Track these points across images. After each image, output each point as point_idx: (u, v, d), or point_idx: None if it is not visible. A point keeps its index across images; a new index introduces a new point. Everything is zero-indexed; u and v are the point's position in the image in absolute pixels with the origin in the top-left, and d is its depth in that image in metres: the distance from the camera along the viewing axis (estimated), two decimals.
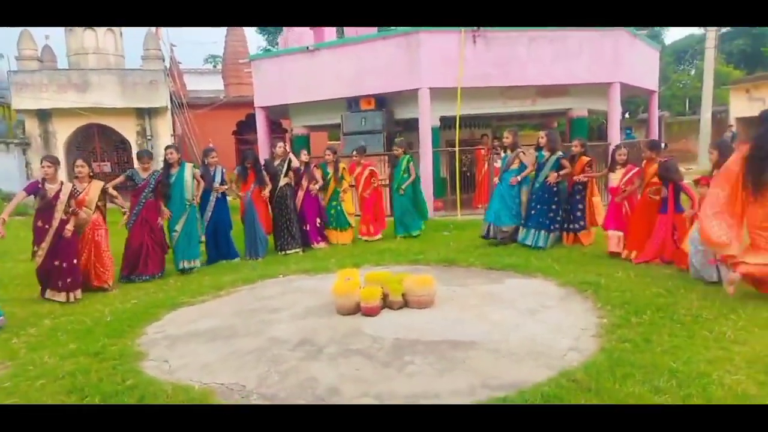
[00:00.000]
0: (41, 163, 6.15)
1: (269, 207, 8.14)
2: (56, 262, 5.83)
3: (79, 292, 6.00)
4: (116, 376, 3.64)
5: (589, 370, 3.45)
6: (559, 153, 7.52)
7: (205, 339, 4.44)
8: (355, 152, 9.01)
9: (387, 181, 11.61)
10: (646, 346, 3.83)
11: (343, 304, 4.86)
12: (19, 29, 16.00)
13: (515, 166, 7.76)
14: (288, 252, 7.98)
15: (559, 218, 7.56)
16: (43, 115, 15.95)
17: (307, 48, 12.69)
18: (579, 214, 7.48)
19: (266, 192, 7.91)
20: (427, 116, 11.39)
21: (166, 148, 7.46)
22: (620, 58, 11.95)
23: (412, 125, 12.40)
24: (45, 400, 3.40)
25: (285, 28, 15.70)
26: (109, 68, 16.31)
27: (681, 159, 24.05)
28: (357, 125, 12.09)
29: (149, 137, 16.45)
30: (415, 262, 6.94)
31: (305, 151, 8.76)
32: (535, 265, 6.37)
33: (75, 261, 6.01)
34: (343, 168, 8.67)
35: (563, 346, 3.96)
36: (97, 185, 6.53)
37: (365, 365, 3.77)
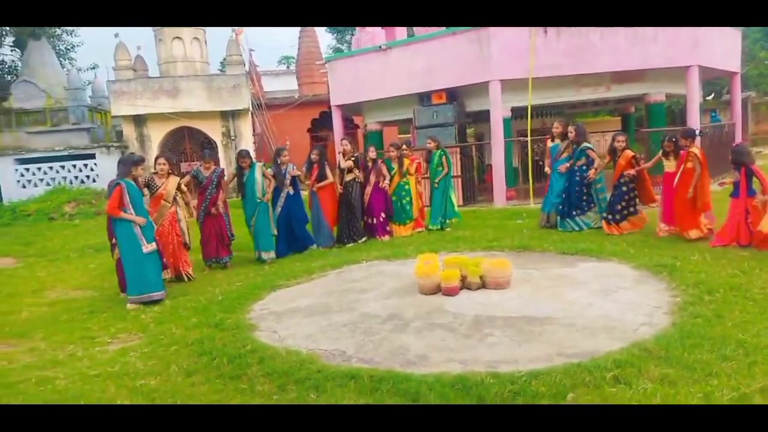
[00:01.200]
0: (157, 160, 6.97)
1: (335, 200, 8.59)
2: None
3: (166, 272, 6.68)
4: (237, 342, 4.28)
5: (660, 341, 3.71)
6: (585, 144, 7.93)
7: (304, 314, 5.03)
8: (404, 145, 9.13)
9: (459, 173, 11.99)
10: (717, 321, 4.03)
11: (425, 285, 5.31)
12: (115, 41, 17.48)
13: (565, 155, 8.15)
14: (347, 245, 8.36)
15: (584, 203, 8.06)
16: (139, 120, 17.37)
17: (380, 47, 13.19)
18: (620, 207, 7.69)
19: (322, 184, 8.37)
20: (498, 107, 11.60)
21: (239, 155, 8.07)
22: (698, 41, 11.64)
23: (483, 117, 12.64)
24: (181, 362, 4.07)
25: (358, 29, 16.28)
26: (196, 75, 17.50)
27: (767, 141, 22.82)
28: (429, 119, 12.47)
29: (233, 137, 17.55)
30: (489, 248, 7.27)
31: (373, 148, 9.11)
32: (610, 249, 6.55)
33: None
34: (408, 162, 8.92)
35: (636, 321, 4.22)
36: (174, 180, 7.00)
37: (449, 336, 4.20)
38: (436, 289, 5.28)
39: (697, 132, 7.34)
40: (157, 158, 7.18)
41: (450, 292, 5.19)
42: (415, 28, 14.75)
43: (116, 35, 17.20)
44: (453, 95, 12.49)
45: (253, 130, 18.63)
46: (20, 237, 11.90)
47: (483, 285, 5.35)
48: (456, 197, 9.66)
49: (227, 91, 17.26)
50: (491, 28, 11.27)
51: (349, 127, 19.08)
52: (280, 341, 4.34)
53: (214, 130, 17.68)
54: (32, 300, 6.55)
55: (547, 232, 8.09)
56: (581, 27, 11.20)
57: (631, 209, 7.73)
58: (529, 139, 11.44)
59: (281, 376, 3.60)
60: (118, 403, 3.46)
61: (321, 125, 21.49)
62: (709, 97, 28.32)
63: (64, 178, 16.71)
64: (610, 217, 7.77)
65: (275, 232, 7.97)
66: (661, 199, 7.53)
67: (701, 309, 4.28)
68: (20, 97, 18.06)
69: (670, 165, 7.27)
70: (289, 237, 8.11)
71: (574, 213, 8.10)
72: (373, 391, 3.31)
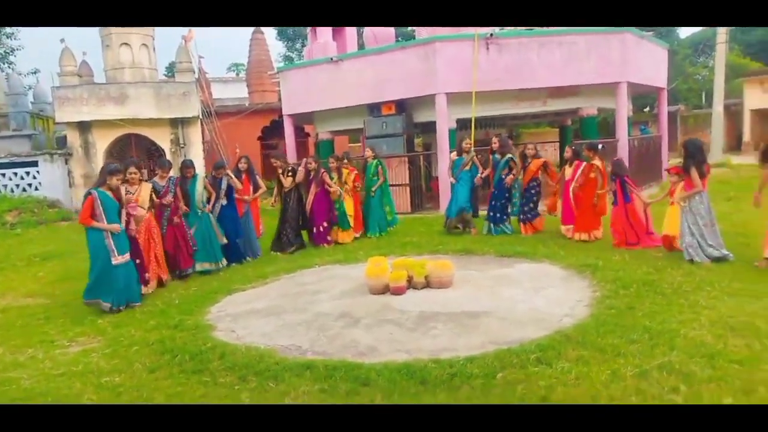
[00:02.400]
0: (128, 168, 6.66)
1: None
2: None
3: (149, 287, 6.65)
4: (197, 341, 4.55)
5: (578, 329, 4.25)
6: (509, 155, 8.73)
7: (260, 315, 5.33)
8: (346, 159, 9.50)
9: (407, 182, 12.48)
10: (628, 311, 4.61)
11: (374, 285, 5.70)
12: (61, 46, 17.14)
13: (468, 167, 8.96)
14: (281, 253, 8.54)
15: (510, 211, 8.89)
16: (84, 127, 17.03)
17: (331, 59, 13.57)
18: (532, 206, 8.75)
19: (257, 195, 8.56)
20: (444, 119, 12.18)
21: (184, 165, 7.89)
22: (627, 59, 12.59)
23: (430, 127, 13.19)
24: (143, 360, 4.31)
25: (309, 40, 16.60)
26: (145, 81, 17.36)
27: None
28: (379, 129, 12.93)
29: (182, 145, 17.45)
30: (435, 251, 7.74)
31: (311, 159, 9.32)
32: (543, 252, 7.14)
33: (137, 260, 6.40)
34: (347, 173, 9.29)
35: (560, 313, 4.75)
36: (147, 187, 6.92)
37: (396, 330, 4.61)
38: (385, 289, 5.69)
39: (599, 146, 8.20)
40: (127, 166, 6.89)
41: (397, 292, 5.61)
42: (365, 42, 15.20)
43: (62, 40, 16.87)
44: (402, 106, 13.00)
45: (203, 138, 18.59)
46: None
47: (428, 285, 5.80)
48: (393, 205, 10.09)
49: (176, 98, 17.17)
50: (437, 43, 11.86)
51: (300, 136, 19.33)
52: (238, 339, 4.63)
53: (162, 138, 17.53)
54: None
55: (489, 237, 8.63)
56: (520, 43, 11.94)
57: (535, 211, 8.73)
58: (472, 149, 12.03)
59: (242, 369, 3.91)
60: (86, 398, 3.68)
61: (271, 133, 21.61)
62: (646, 110, 30.09)
63: (5, 186, 16.21)
64: (522, 217, 8.71)
65: (223, 241, 7.91)
66: (561, 204, 8.47)
67: (616, 302, 4.86)
68: None
69: (568, 172, 8.21)
70: (227, 247, 7.96)
71: (503, 219, 8.85)
72: (327, 378, 3.67)
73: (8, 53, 27.29)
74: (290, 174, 8.85)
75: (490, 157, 9.04)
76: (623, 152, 12.62)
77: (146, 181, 7.16)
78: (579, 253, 6.93)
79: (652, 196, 7.50)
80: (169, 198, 7.24)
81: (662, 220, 6.90)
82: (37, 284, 7.71)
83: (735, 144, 25.89)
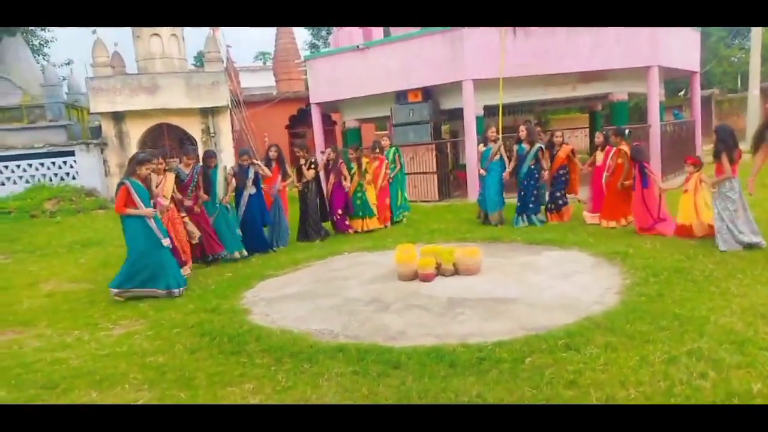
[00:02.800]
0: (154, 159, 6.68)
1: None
2: None
3: (187, 268, 6.90)
4: (234, 324, 4.73)
5: (607, 315, 4.29)
6: (538, 145, 8.51)
7: (293, 300, 5.49)
8: (377, 149, 9.55)
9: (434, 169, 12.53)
10: (658, 298, 4.62)
11: (403, 272, 5.81)
12: (93, 38, 17.55)
13: (497, 158, 8.76)
14: (306, 242, 8.65)
15: (539, 202, 8.68)
16: (118, 117, 17.48)
17: (357, 47, 13.62)
18: (559, 194, 8.62)
19: (286, 184, 8.67)
20: (471, 106, 12.15)
21: (207, 155, 7.97)
22: (658, 43, 12.34)
23: (457, 114, 13.18)
24: (184, 342, 4.50)
25: (335, 29, 16.66)
26: (175, 71, 17.68)
27: None
28: (405, 117, 12.96)
29: (213, 134, 17.79)
30: (463, 239, 7.81)
31: (330, 150, 9.54)
32: (571, 240, 7.14)
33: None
34: (367, 162, 9.38)
35: (589, 300, 4.79)
36: (171, 177, 7.01)
37: (425, 315, 4.71)
38: (414, 276, 5.79)
39: (626, 131, 8.14)
40: (155, 156, 6.90)
41: (426, 278, 5.70)
42: (390, 29, 15.20)
43: (94, 32, 17.28)
44: (428, 94, 13.00)
45: (232, 127, 18.89)
46: (3, 234, 12.03)
47: (456, 271, 5.89)
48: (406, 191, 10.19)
49: (206, 87, 17.47)
50: (464, 30, 11.80)
51: (328, 124, 19.47)
52: (273, 323, 4.80)
53: (193, 127, 17.89)
54: (29, 292, 6.84)
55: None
56: (548, 29, 11.81)
57: (566, 198, 8.62)
58: (500, 135, 12.00)
59: (277, 351, 4.07)
60: (131, 377, 3.88)
61: (299, 122, 21.82)
62: (681, 94, 29.34)
63: (44, 175, 16.76)
64: (552, 206, 8.61)
65: (239, 232, 7.96)
66: (590, 191, 8.41)
67: (646, 289, 4.87)
68: None
69: (599, 158, 8.13)
70: (250, 237, 8.04)
71: (535, 210, 8.60)
72: (359, 360, 3.79)
73: (43, 45, 27.94)
74: (313, 166, 8.95)
75: (515, 147, 8.72)
76: (655, 138, 12.43)
77: (170, 170, 7.20)
78: (609, 241, 6.92)
79: (669, 184, 7.40)
80: (192, 186, 7.33)
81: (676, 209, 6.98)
82: (79, 270, 8.03)
83: None
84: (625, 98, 13.16)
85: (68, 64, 29.58)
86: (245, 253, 7.85)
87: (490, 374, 3.49)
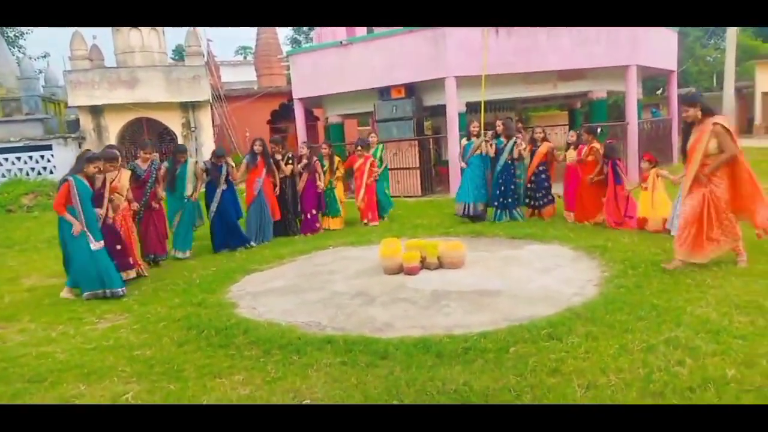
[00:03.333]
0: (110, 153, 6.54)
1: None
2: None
3: (132, 272, 6.53)
4: (221, 317, 4.75)
5: (587, 306, 4.42)
6: (514, 138, 8.60)
7: (279, 293, 5.53)
8: (359, 146, 9.60)
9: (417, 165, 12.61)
10: (637, 290, 4.76)
11: (389, 266, 5.88)
12: (71, 30, 17.24)
13: (479, 152, 8.77)
14: (285, 237, 8.60)
15: (518, 196, 8.69)
16: (96, 111, 17.22)
17: (341, 42, 13.65)
18: (543, 192, 8.60)
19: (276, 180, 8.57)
20: (454, 102, 12.27)
21: (178, 150, 7.89)
22: (637, 42, 12.59)
23: (439, 111, 13.29)
24: (171, 335, 4.51)
25: None
26: (155, 65, 17.48)
27: None
28: (389, 113, 13.03)
29: (193, 129, 17.63)
30: (446, 234, 7.90)
31: (304, 146, 9.44)
32: (552, 234, 7.29)
33: (118, 246, 6.34)
34: (338, 160, 9.43)
35: (570, 292, 4.92)
36: (126, 174, 6.77)
37: (411, 308, 4.79)
38: (399, 270, 5.86)
39: (598, 129, 8.34)
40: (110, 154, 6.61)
41: (411, 272, 5.78)
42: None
43: None
44: (411, 90, 13.09)
45: (213, 122, 18.74)
46: None
47: (440, 265, 5.98)
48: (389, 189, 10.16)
49: (187, 81, 17.30)
50: (447, 27, 11.89)
51: (310, 120, 19.43)
52: (260, 316, 4.83)
53: (173, 122, 17.71)
54: (9, 287, 6.76)
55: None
56: (530, 28, 11.96)
57: (550, 197, 8.62)
58: (482, 132, 12.12)
59: (266, 343, 4.10)
60: (119, 370, 3.89)
61: (280, 117, 21.74)
62: (659, 92, 29.87)
63: (20, 169, 16.47)
64: (533, 203, 8.65)
65: (201, 223, 8.01)
66: (564, 190, 8.52)
67: (625, 281, 5.01)
68: None
69: (570, 156, 8.29)
70: (225, 232, 7.99)
71: (513, 204, 8.62)
72: (347, 351, 3.85)
73: (18, 37, 27.43)
74: (290, 162, 8.86)
75: (494, 141, 8.68)
76: (633, 135, 12.69)
77: (125, 167, 6.94)
78: (588, 236, 7.07)
79: (630, 184, 7.71)
80: (151, 183, 7.16)
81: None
82: (60, 265, 7.85)
83: (746, 127, 25.74)
84: (604, 96, 13.42)
85: (45, 57, 29.12)
86: (188, 254, 7.72)
87: (476, 363, 3.58)
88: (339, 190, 9.39)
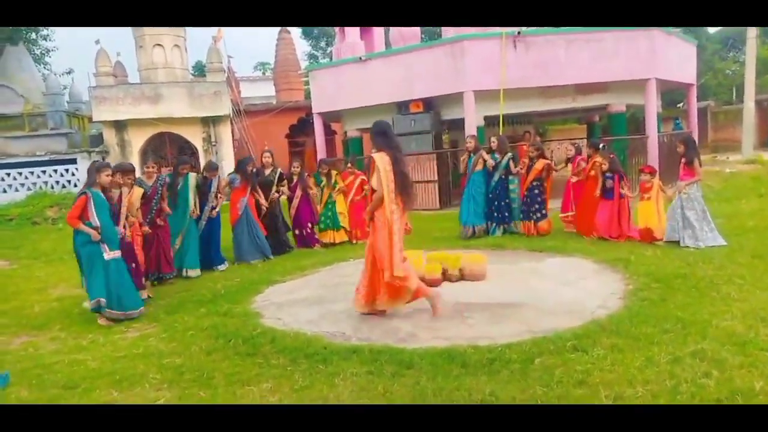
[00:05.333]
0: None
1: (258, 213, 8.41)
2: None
3: (144, 292, 6.31)
4: (247, 326, 4.84)
5: (612, 319, 4.42)
6: (509, 154, 8.68)
7: (303, 304, 5.60)
8: (349, 164, 9.64)
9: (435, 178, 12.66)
10: (661, 303, 4.76)
11: None
12: (96, 48, 17.69)
13: (480, 167, 8.73)
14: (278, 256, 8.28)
15: (512, 210, 8.73)
16: (120, 126, 17.61)
17: (360, 58, 13.84)
18: (537, 206, 8.55)
19: (261, 199, 8.37)
20: (472, 116, 12.34)
21: (180, 162, 7.79)
22: (655, 55, 12.59)
23: (457, 125, 13.37)
24: (199, 344, 4.59)
25: (337, 40, 16.86)
26: (178, 81, 17.84)
27: (726, 148, 24.16)
28: (407, 127, 13.14)
29: (214, 143, 17.94)
30: (466, 246, 7.93)
31: (296, 163, 9.30)
32: (573, 247, 7.29)
33: (133, 264, 6.17)
34: (336, 174, 9.35)
35: (593, 305, 4.91)
36: (139, 191, 6.66)
37: (434, 319, 4.82)
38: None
39: (601, 145, 8.38)
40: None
41: (433, 284, 5.81)
42: (391, 41, 15.41)
43: (97, 42, 17.43)
44: (430, 104, 13.20)
45: (233, 136, 19.04)
46: (6, 241, 12.11)
47: (462, 277, 6.00)
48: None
49: (208, 97, 17.64)
50: (465, 42, 12.01)
51: (328, 134, 19.64)
52: (285, 326, 4.90)
53: (194, 136, 18.04)
54: (39, 297, 6.92)
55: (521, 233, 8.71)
56: (548, 42, 12.03)
57: (544, 212, 8.59)
58: (482, 147, 12.19)
59: (292, 352, 4.17)
60: (150, 377, 3.98)
61: (299, 131, 22.01)
62: (679, 105, 29.67)
63: (45, 182, 16.86)
64: (529, 217, 8.58)
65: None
66: (564, 199, 8.82)
67: (649, 294, 5.01)
68: None
69: (564, 169, 8.69)
70: (208, 251, 7.76)
71: (509, 219, 8.66)
72: (373, 361, 3.90)
73: (44, 54, 28.13)
74: (282, 180, 8.80)
75: (489, 156, 8.65)
76: (653, 149, 12.64)
77: (136, 183, 6.72)
78: (610, 249, 7.06)
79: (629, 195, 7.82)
80: (157, 198, 6.99)
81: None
82: None
83: (766, 140, 25.43)
84: (623, 110, 13.40)
85: (69, 73, 29.79)
86: (198, 272, 7.49)
87: (502, 374, 3.61)
88: (340, 204, 9.21)
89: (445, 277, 6.00)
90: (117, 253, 5.67)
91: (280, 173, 8.89)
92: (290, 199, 9.01)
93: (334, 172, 9.36)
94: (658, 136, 12.98)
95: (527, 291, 5.48)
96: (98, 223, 5.50)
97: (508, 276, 6.12)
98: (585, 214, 8.16)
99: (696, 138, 15.87)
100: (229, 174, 8.51)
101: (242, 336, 4.58)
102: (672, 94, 24.31)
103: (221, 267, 7.80)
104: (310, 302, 5.65)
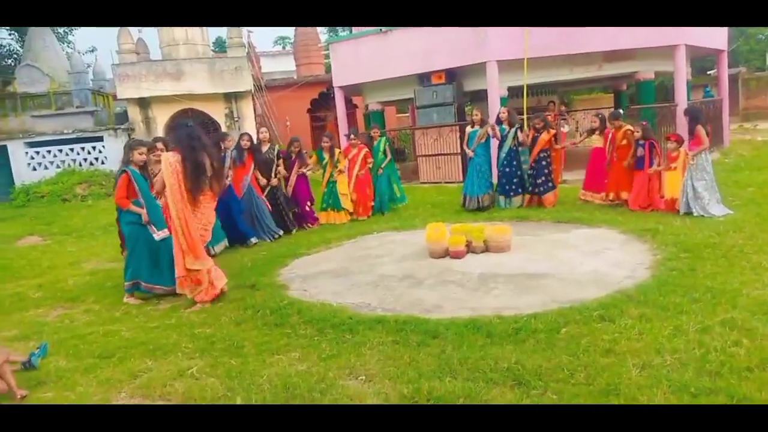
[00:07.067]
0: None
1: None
2: None
3: None
4: (275, 298, 4.92)
5: (639, 289, 4.38)
6: (517, 126, 8.61)
7: (329, 276, 5.67)
8: (353, 135, 9.48)
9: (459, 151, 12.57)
10: (690, 273, 4.69)
11: (435, 249, 5.94)
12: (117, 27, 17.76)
13: (484, 139, 8.66)
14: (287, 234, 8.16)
15: (521, 182, 8.60)
16: (144, 103, 17.77)
17: (380, 30, 13.63)
18: (543, 179, 8.46)
19: (262, 178, 8.09)
20: (495, 87, 12.14)
21: (221, 137, 7.87)
22: None
23: (480, 96, 13.16)
24: (229, 315, 4.70)
25: None
26: (199, 57, 17.87)
27: (757, 116, 23.42)
28: (429, 99, 13.00)
29: (236, 119, 17.99)
30: (490, 218, 7.89)
31: (297, 142, 8.85)
32: (600, 218, 7.19)
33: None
34: (339, 152, 9.09)
35: (620, 275, 4.87)
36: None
37: (459, 290, 4.85)
38: (445, 253, 5.92)
39: (621, 112, 8.34)
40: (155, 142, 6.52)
41: (457, 255, 5.83)
42: None
43: None
44: (452, 75, 13.00)
45: (255, 112, 19.08)
46: (39, 217, 12.44)
47: (486, 249, 6.00)
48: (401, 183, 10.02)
49: (229, 73, 17.64)
50: None
51: (349, 108, 19.55)
52: (311, 297, 4.97)
53: (217, 112, 18.11)
54: (72, 271, 7.13)
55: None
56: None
57: (550, 184, 8.47)
58: (525, 116, 11.99)
59: (319, 322, 4.24)
60: (183, 346, 4.09)
61: (320, 105, 21.95)
62: (710, 72, 28.73)
63: (74, 160, 17.16)
64: (533, 189, 8.50)
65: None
66: (587, 170, 8.57)
67: (677, 264, 4.94)
68: (24, 81, 18.39)
69: (598, 140, 8.35)
70: (229, 227, 7.57)
71: (518, 191, 8.55)
72: (398, 331, 3.95)
73: (67, 32, 28.39)
74: (279, 158, 8.51)
75: (496, 127, 8.60)
76: (682, 118, 12.28)
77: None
78: (637, 219, 6.96)
79: (655, 168, 7.55)
80: None
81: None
82: (117, 250, 8.22)
83: None
84: (651, 77, 13.05)
85: (92, 51, 30.07)
86: (226, 243, 7.46)
87: (527, 343, 3.62)
88: (342, 184, 8.90)
89: (470, 248, 5.99)
90: (165, 232, 5.53)
91: (278, 151, 8.60)
92: (287, 179, 8.68)
93: (337, 150, 9.11)
94: (688, 103, 12.61)
95: (552, 262, 5.45)
96: (143, 201, 5.50)
97: (533, 247, 6.09)
98: (616, 178, 7.93)
99: (727, 106, 15.54)
100: (231, 150, 8.16)
101: (270, 307, 4.66)
102: (702, 61, 23.54)
103: (253, 240, 7.70)
104: (335, 274, 5.72)
